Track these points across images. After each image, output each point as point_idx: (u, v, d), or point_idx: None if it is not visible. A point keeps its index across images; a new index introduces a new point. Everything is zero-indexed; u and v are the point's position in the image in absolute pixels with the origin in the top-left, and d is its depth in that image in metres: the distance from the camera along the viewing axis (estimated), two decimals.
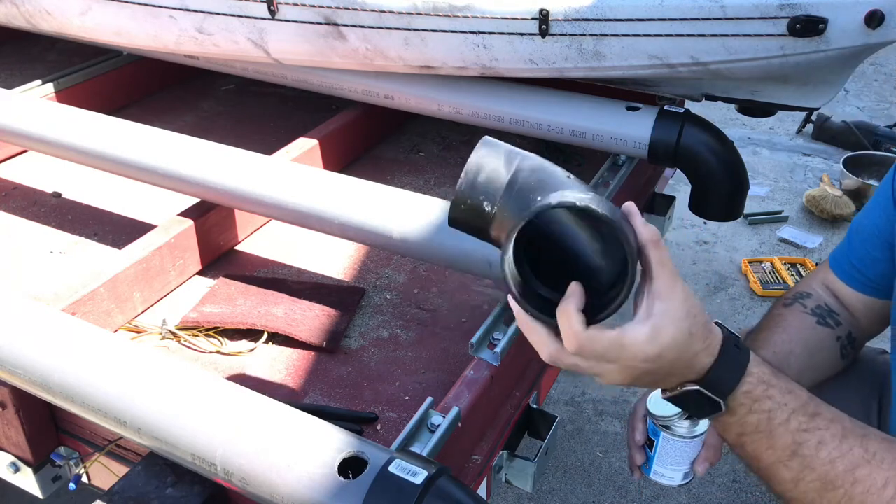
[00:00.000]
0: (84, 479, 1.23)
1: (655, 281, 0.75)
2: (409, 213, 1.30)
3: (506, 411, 1.22)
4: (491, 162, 0.78)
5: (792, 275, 2.78)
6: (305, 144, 1.79)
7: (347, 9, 1.56)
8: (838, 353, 1.17)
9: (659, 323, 0.74)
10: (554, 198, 0.72)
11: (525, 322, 0.78)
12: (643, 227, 0.76)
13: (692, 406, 0.82)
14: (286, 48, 1.72)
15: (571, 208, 0.71)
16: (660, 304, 0.74)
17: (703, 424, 1.04)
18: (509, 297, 0.77)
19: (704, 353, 0.79)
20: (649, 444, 1.07)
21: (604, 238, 0.76)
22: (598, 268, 0.77)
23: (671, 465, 1.06)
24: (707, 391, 0.80)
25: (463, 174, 0.78)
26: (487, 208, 0.77)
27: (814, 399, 0.84)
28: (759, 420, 0.81)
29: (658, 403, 1.05)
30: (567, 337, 0.74)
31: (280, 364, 1.30)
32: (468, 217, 0.79)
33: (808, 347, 1.15)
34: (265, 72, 1.93)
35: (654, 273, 0.75)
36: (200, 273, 1.54)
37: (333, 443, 0.91)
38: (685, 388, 0.80)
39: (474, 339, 1.17)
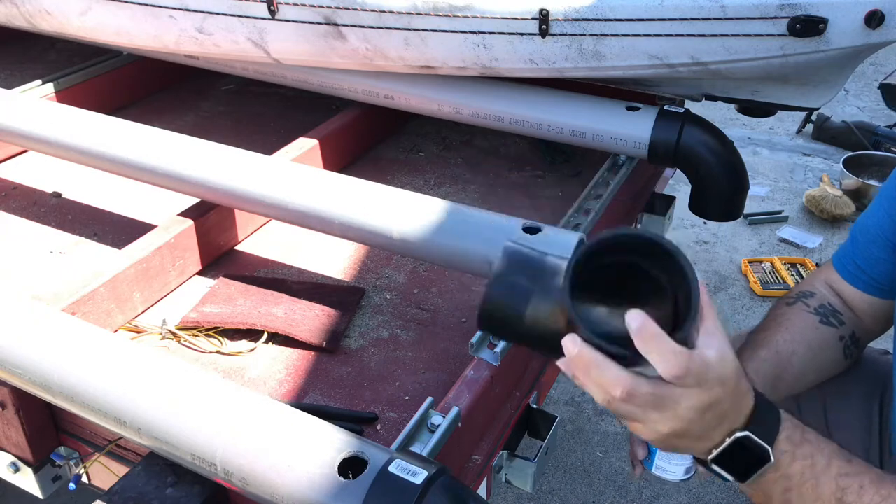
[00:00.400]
0: (84, 479, 1.23)
1: (706, 320, 0.74)
2: (409, 213, 1.30)
3: (506, 411, 1.22)
4: (517, 259, 0.77)
5: (792, 275, 2.78)
6: (305, 144, 1.79)
7: (347, 9, 1.56)
8: (841, 352, 1.17)
9: (723, 349, 0.73)
10: (606, 232, 0.70)
11: (592, 362, 0.71)
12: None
13: (740, 460, 0.79)
14: (286, 48, 1.72)
15: (630, 236, 0.70)
16: (716, 339, 0.73)
17: None
18: (568, 343, 0.71)
19: (749, 394, 0.79)
20: None
21: (648, 275, 0.74)
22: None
23: (673, 460, 1.06)
24: (756, 437, 0.78)
25: (493, 279, 0.77)
26: (527, 290, 0.75)
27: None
28: (804, 468, 0.80)
29: None
30: (668, 360, 0.70)
31: (280, 364, 1.30)
32: (506, 307, 0.77)
33: (811, 347, 1.15)
34: (265, 72, 1.93)
35: (704, 313, 0.73)
36: (200, 273, 1.54)
37: (333, 443, 0.91)
38: (736, 437, 0.78)
39: (474, 339, 1.17)
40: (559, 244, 1.21)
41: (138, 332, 1.37)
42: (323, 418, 0.96)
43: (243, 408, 0.97)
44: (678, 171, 1.73)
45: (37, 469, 1.19)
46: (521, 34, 1.48)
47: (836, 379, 1.22)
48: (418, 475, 0.85)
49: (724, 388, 0.75)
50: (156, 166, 1.50)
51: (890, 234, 1.13)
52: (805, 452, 0.81)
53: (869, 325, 1.21)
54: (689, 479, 1.08)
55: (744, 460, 0.79)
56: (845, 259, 1.22)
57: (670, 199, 1.91)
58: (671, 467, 1.06)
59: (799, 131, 3.94)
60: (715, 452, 0.79)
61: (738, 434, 0.78)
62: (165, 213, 1.56)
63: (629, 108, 1.65)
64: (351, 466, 0.88)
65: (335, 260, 1.58)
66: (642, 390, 0.72)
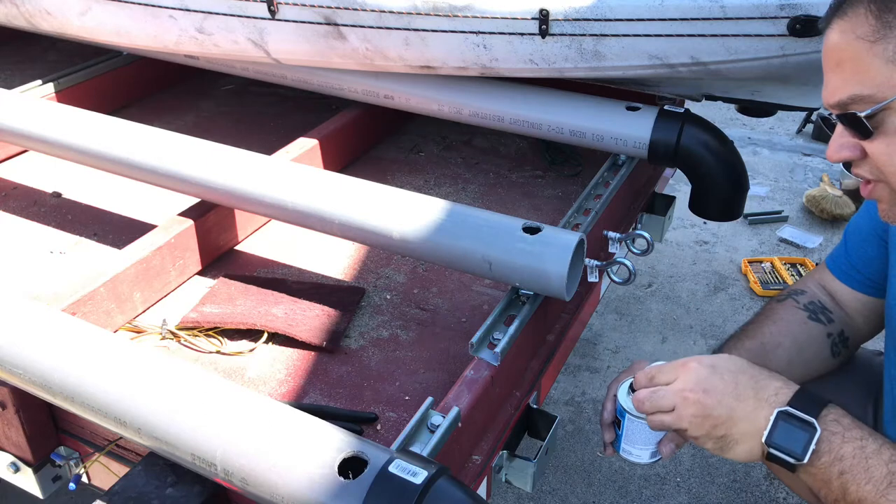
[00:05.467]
0: (84, 479, 1.23)
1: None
2: (409, 213, 1.30)
3: (506, 411, 1.22)
4: None
5: (792, 275, 2.78)
6: (305, 144, 1.79)
7: (347, 9, 1.56)
8: (829, 349, 1.18)
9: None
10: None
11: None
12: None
13: (792, 439, 0.88)
14: (286, 48, 1.72)
15: None
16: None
17: None
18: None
19: (777, 378, 0.94)
20: (617, 423, 1.09)
21: None
22: None
23: (637, 445, 1.08)
24: (797, 410, 0.89)
25: None
26: None
27: None
28: (855, 450, 0.86)
29: (625, 390, 1.06)
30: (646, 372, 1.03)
31: (280, 364, 1.30)
32: None
33: (798, 341, 1.16)
34: (265, 72, 1.93)
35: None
36: (200, 273, 1.54)
37: (333, 443, 0.91)
38: (777, 411, 0.89)
39: (474, 339, 1.17)
40: (559, 244, 1.21)
41: (138, 332, 1.37)
42: (323, 418, 0.96)
43: (243, 408, 0.97)
44: (678, 171, 1.73)
45: (37, 469, 1.19)
46: (521, 34, 1.48)
47: (831, 380, 1.22)
48: (418, 475, 0.85)
49: (722, 360, 0.96)
50: (156, 166, 1.50)
51: (880, 230, 1.14)
52: (855, 435, 0.87)
53: (860, 325, 1.22)
54: (655, 463, 1.11)
55: (794, 439, 0.88)
56: (839, 259, 1.23)
57: (670, 199, 1.91)
58: (636, 451, 1.09)
59: (799, 131, 3.93)
60: (766, 434, 0.90)
61: (780, 408, 0.90)
62: (165, 213, 1.56)
63: (629, 108, 1.65)
64: (351, 466, 0.88)
65: (335, 260, 1.58)
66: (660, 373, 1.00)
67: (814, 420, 0.88)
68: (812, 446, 0.87)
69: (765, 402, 0.91)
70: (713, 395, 0.93)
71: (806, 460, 0.87)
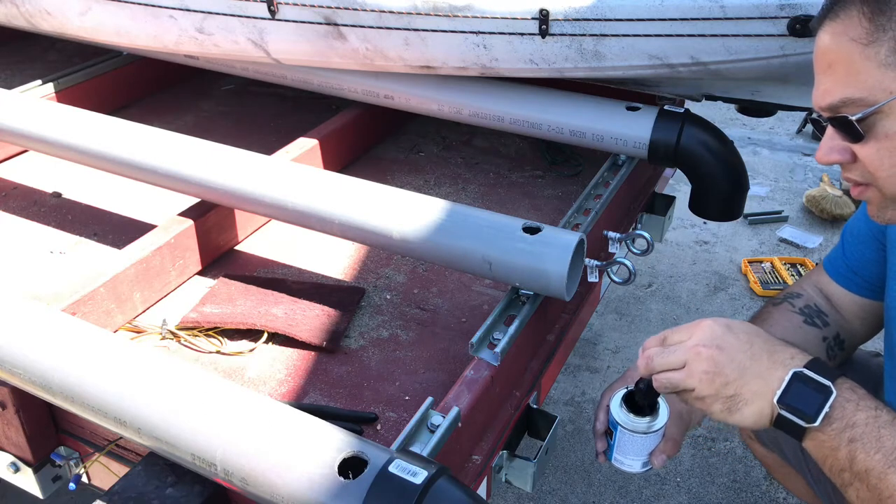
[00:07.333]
0: (84, 479, 1.23)
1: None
2: (409, 213, 1.30)
3: (506, 411, 1.22)
4: None
5: (792, 275, 2.78)
6: (305, 144, 1.79)
7: (347, 9, 1.56)
8: (824, 353, 1.18)
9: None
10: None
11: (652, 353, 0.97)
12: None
13: (805, 401, 0.86)
14: (286, 48, 1.72)
15: None
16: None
17: (661, 419, 1.04)
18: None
19: (790, 347, 0.91)
20: (609, 433, 1.08)
21: None
22: None
23: (629, 455, 1.08)
24: (813, 372, 0.86)
25: None
26: None
27: None
28: (868, 418, 0.84)
29: (617, 402, 1.06)
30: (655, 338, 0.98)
31: (280, 364, 1.30)
32: None
33: None
34: (265, 72, 1.93)
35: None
36: (200, 273, 1.54)
37: (333, 443, 0.91)
38: (793, 371, 0.87)
39: (474, 339, 1.17)
40: (559, 244, 1.21)
41: (138, 332, 1.37)
42: (323, 418, 0.96)
43: (243, 408, 0.97)
44: (678, 171, 1.73)
45: (37, 469, 1.19)
46: (521, 34, 1.48)
47: None
48: (418, 475, 0.85)
49: (738, 323, 0.92)
50: (156, 166, 1.50)
51: (877, 232, 1.14)
52: (869, 405, 0.85)
53: (856, 328, 1.21)
54: (647, 472, 1.10)
55: (808, 400, 0.86)
56: (836, 261, 1.23)
57: (670, 199, 1.91)
58: (628, 461, 1.09)
59: (799, 131, 3.93)
60: (779, 392, 0.87)
61: (796, 369, 0.87)
62: (165, 213, 1.56)
63: (629, 108, 1.65)
64: (351, 466, 0.88)
65: (335, 260, 1.58)
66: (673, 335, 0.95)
67: (830, 383, 0.85)
68: (826, 409, 0.84)
69: (780, 364, 0.88)
70: (727, 351, 0.89)
71: (818, 423, 0.85)
